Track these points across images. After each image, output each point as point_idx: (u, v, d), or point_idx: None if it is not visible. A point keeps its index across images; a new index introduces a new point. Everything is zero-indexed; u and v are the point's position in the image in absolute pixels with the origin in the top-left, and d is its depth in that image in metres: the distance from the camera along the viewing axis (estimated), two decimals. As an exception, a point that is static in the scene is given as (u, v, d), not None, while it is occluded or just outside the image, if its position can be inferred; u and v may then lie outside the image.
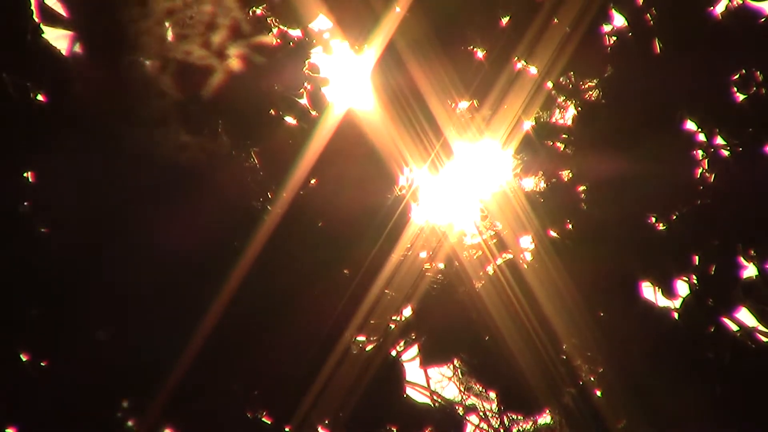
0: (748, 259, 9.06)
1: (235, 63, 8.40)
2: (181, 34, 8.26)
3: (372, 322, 8.95)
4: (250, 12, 8.50)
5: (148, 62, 8.22)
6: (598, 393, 9.40)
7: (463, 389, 9.76)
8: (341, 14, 8.68)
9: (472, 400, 9.79)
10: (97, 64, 8.25)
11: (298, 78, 8.77)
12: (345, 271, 8.76)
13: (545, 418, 9.69)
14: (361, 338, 9.00)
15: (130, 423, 8.58)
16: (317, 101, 8.81)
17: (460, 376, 9.70)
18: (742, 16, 8.81)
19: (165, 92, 8.21)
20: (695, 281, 9.12)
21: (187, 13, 8.26)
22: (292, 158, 8.56)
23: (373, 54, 8.68)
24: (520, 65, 8.88)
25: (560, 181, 9.10)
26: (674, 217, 9.04)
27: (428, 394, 9.82)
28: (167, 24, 8.22)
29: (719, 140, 9.04)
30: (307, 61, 8.80)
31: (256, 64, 8.49)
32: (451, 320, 9.29)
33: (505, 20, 8.80)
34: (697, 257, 9.09)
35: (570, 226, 9.12)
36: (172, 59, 8.22)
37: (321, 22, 8.83)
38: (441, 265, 9.27)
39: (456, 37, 8.76)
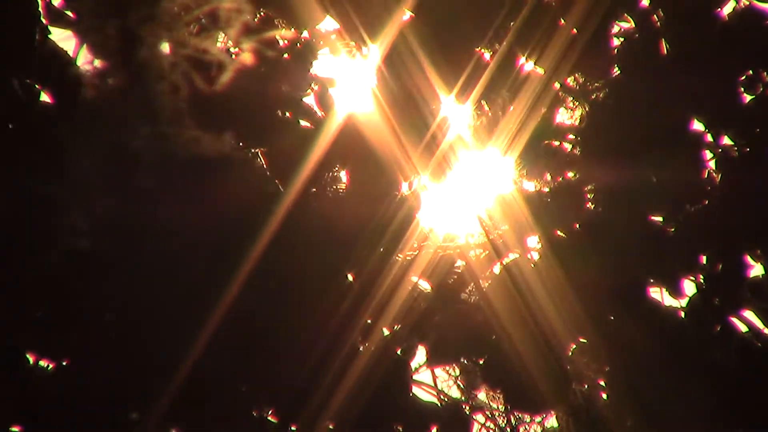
0: (755, 258, 9.07)
1: (242, 63, 8.42)
2: (189, 34, 8.28)
3: (378, 322, 8.96)
4: (258, 13, 8.51)
5: (159, 61, 8.23)
6: (604, 396, 9.42)
7: (465, 390, 9.77)
8: (347, 16, 8.69)
9: (477, 400, 9.80)
10: (108, 65, 8.27)
11: (305, 79, 8.77)
12: (351, 272, 8.77)
13: (552, 422, 9.70)
14: (368, 338, 9.00)
15: (136, 421, 8.60)
16: (324, 102, 8.81)
17: (464, 376, 9.71)
18: (749, 17, 8.82)
19: (176, 91, 8.23)
20: (702, 281, 9.13)
21: (196, 14, 8.27)
22: (299, 159, 8.57)
23: (378, 56, 8.68)
24: (527, 67, 8.89)
25: (567, 182, 9.11)
26: (681, 216, 9.05)
27: (435, 393, 9.83)
28: (177, 24, 8.23)
29: (726, 141, 9.05)
30: (314, 62, 8.80)
31: (263, 64, 8.50)
32: (456, 321, 9.30)
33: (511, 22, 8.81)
34: (704, 257, 9.10)
35: (577, 226, 9.12)
36: (182, 59, 8.24)
37: (328, 24, 8.84)
38: (447, 266, 9.28)
39: (462, 38, 8.76)
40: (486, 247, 9.33)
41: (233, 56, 8.46)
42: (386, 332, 9.12)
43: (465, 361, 9.61)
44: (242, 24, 8.40)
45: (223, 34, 8.46)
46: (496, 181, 9.20)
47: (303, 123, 8.80)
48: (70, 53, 8.42)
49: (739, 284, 9.07)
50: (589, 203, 9.10)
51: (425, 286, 9.26)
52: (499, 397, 9.71)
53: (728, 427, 9.06)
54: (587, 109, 9.01)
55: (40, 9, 8.22)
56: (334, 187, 8.80)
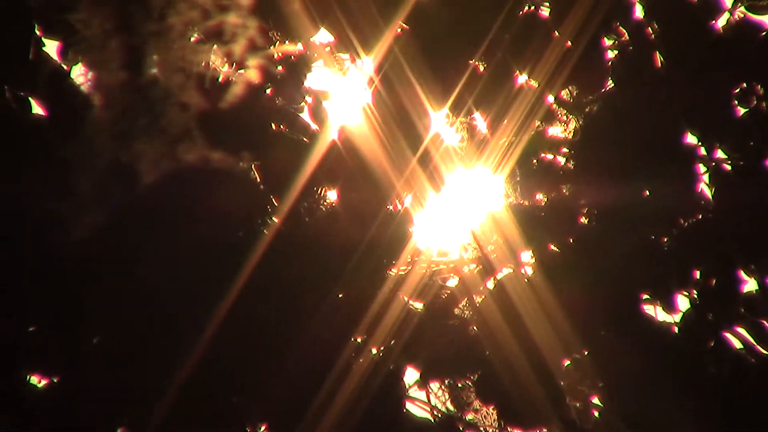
0: (749, 273, 9.07)
1: (238, 77, 8.42)
2: (184, 48, 8.28)
3: (371, 338, 8.94)
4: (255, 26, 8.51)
5: (160, 77, 8.24)
6: (596, 414, 9.40)
7: (459, 406, 9.73)
8: (341, 29, 8.69)
9: (471, 416, 9.77)
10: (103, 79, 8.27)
11: (299, 91, 8.77)
12: (344, 286, 8.74)
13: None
14: (361, 354, 8.98)
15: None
16: (318, 115, 8.81)
17: (457, 392, 9.68)
18: (744, 29, 8.84)
19: (172, 106, 8.23)
20: (696, 296, 9.12)
21: (192, 29, 8.28)
22: (292, 173, 8.56)
23: (372, 68, 8.68)
24: (520, 80, 8.89)
25: (561, 196, 9.10)
26: (675, 231, 9.04)
27: (428, 408, 9.79)
28: (173, 38, 8.24)
29: (720, 154, 9.05)
30: (308, 75, 8.79)
31: (256, 77, 8.50)
32: (449, 336, 9.28)
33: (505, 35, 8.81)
34: (698, 272, 9.09)
35: (570, 240, 9.11)
36: (177, 73, 8.24)
37: (322, 36, 8.85)
38: (440, 282, 9.27)
39: (456, 51, 8.77)
40: (479, 263, 9.31)
41: (229, 70, 8.45)
42: (378, 349, 9.08)
43: (458, 377, 9.58)
44: (240, 38, 8.40)
45: (219, 48, 8.44)
46: (490, 195, 9.19)
47: (297, 136, 8.79)
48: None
49: (733, 299, 9.06)
50: (583, 217, 9.09)
51: (419, 302, 9.23)
52: (492, 413, 9.67)
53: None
54: (581, 122, 9.01)
55: (34, 21, 8.25)
56: (327, 201, 8.78)
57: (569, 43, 8.77)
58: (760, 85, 8.85)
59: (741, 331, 9.14)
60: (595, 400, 9.45)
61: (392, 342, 9.11)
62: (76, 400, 8.42)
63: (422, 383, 9.60)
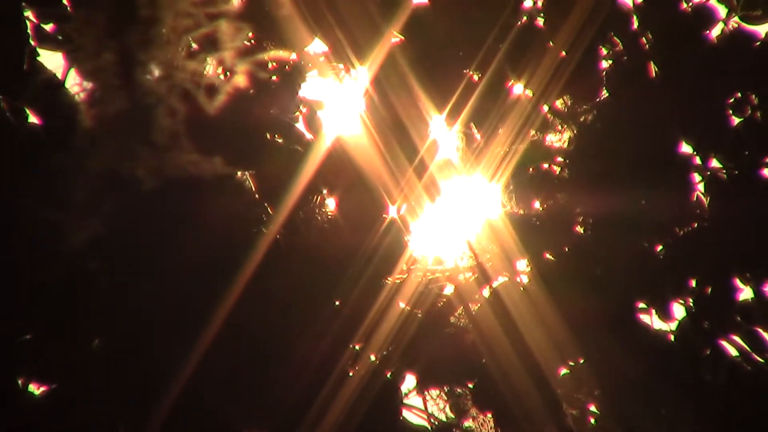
0: (745, 281, 9.07)
1: (232, 86, 8.40)
2: (180, 57, 8.27)
3: (367, 347, 8.94)
4: (248, 35, 8.50)
5: (150, 85, 8.22)
6: (593, 421, 9.39)
7: (456, 413, 9.73)
8: (336, 38, 8.69)
9: (468, 423, 9.77)
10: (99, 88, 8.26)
11: (293, 101, 8.76)
12: (340, 295, 8.74)
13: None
14: (358, 363, 8.98)
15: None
16: (313, 125, 8.80)
17: (453, 400, 9.68)
18: (738, 39, 8.84)
19: (168, 114, 8.22)
20: (691, 304, 9.12)
21: (187, 37, 8.26)
22: (287, 183, 8.55)
23: (367, 78, 8.68)
24: (516, 90, 8.89)
25: (556, 205, 9.11)
26: (670, 239, 9.04)
27: (425, 416, 9.79)
28: (168, 47, 8.22)
29: (715, 164, 9.05)
30: (302, 85, 8.78)
31: (252, 86, 8.49)
32: (445, 344, 9.28)
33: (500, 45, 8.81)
34: (693, 280, 9.09)
35: (566, 249, 9.12)
36: (172, 82, 8.23)
37: (316, 46, 8.84)
38: (436, 290, 9.26)
39: (451, 61, 8.77)
40: (475, 271, 9.31)
41: (223, 79, 8.44)
42: (376, 356, 9.09)
43: (455, 385, 9.59)
44: (233, 47, 8.39)
45: (212, 57, 8.42)
46: (486, 204, 9.19)
47: (292, 146, 8.78)
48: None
49: (728, 308, 9.07)
50: (579, 226, 9.09)
51: (414, 310, 9.22)
52: (489, 421, 9.67)
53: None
54: (575, 131, 9.01)
55: (28, 30, 8.24)
56: (323, 210, 8.78)
57: (564, 53, 8.78)
58: (754, 95, 8.85)
59: (736, 339, 9.14)
60: (592, 408, 9.45)
61: (389, 350, 9.11)
62: (72, 409, 8.41)
63: (419, 391, 9.60)
